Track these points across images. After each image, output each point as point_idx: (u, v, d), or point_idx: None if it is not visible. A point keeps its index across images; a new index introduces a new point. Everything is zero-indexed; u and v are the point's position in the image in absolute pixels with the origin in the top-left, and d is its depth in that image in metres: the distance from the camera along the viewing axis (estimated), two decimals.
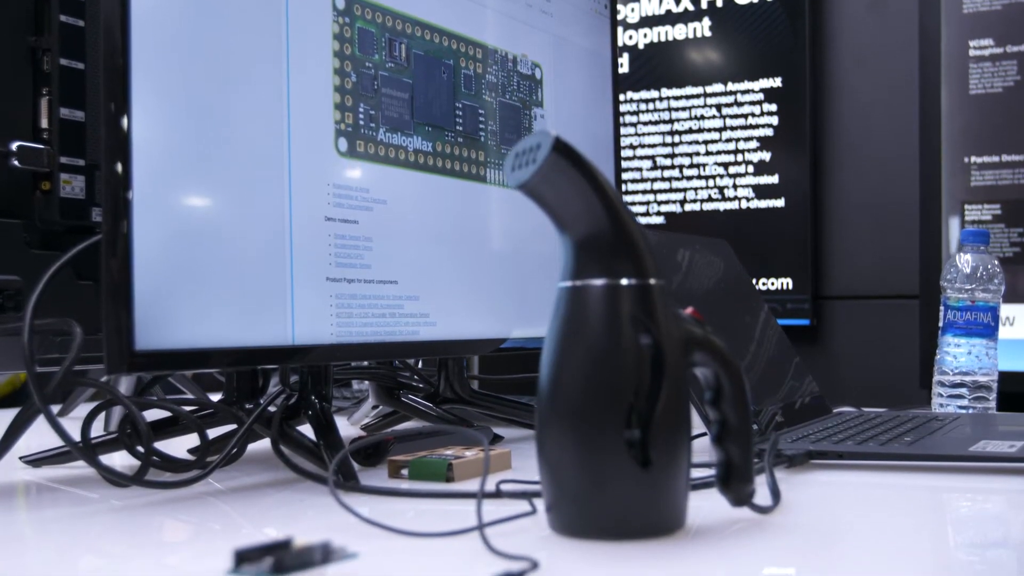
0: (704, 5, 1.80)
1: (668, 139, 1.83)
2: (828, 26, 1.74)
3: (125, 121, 0.70)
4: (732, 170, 1.77)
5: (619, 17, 1.84)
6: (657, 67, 1.84)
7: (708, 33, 1.80)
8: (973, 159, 1.56)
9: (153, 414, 0.86)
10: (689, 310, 0.65)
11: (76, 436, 0.77)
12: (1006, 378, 1.31)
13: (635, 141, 1.85)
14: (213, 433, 0.86)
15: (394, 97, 0.92)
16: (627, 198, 1.84)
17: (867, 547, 0.62)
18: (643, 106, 1.84)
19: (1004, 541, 0.67)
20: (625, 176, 1.84)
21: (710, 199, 1.79)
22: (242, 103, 0.78)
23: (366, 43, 0.89)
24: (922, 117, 1.58)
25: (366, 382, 1.21)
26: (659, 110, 1.83)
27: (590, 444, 0.60)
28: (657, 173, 1.83)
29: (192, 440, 0.88)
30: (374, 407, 1.19)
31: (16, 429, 0.80)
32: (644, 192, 1.84)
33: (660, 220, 1.83)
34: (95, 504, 0.76)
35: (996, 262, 1.29)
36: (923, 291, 1.56)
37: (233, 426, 0.88)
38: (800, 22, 1.72)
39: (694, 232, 1.75)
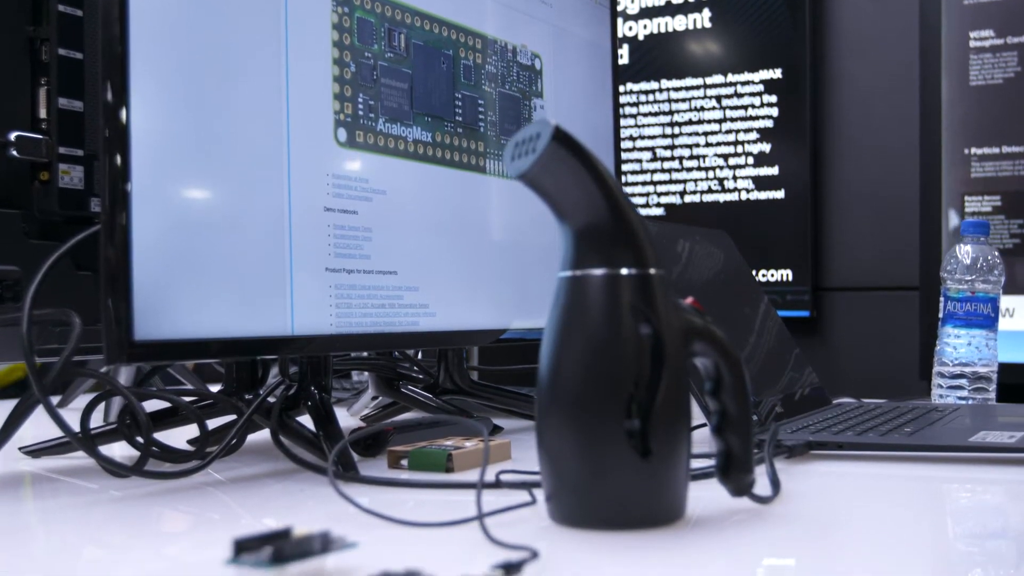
0: None
1: (668, 130, 1.82)
2: (828, 17, 1.74)
3: (124, 111, 0.70)
4: (732, 161, 1.77)
5: (619, 8, 1.83)
6: (657, 58, 1.84)
7: (708, 24, 1.80)
8: (973, 150, 1.56)
9: (152, 404, 0.86)
10: (689, 300, 0.65)
11: (75, 427, 0.77)
12: (1006, 369, 1.32)
13: (635, 132, 1.85)
14: (212, 424, 0.86)
15: (393, 87, 0.92)
16: (627, 189, 1.84)
17: (867, 537, 0.62)
18: (643, 97, 1.84)
19: (1003, 531, 0.67)
20: (625, 167, 1.84)
21: (710, 190, 1.79)
22: (241, 93, 0.78)
23: (365, 33, 0.89)
24: (922, 108, 1.58)
25: (366, 373, 1.21)
26: (659, 101, 1.83)
27: (590, 434, 0.60)
28: (657, 164, 1.83)
29: (192, 431, 0.88)
30: (374, 398, 1.19)
31: (15, 419, 0.80)
32: (644, 183, 1.84)
33: (660, 211, 1.82)
34: (95, 494, 0.76)
35: (996, 253, 1.29)
36: (923, 282, 1.56)
37: (233, 416, 0.88)
38: (800, 13, 1.72)
39: (694, 223, 1.74)
